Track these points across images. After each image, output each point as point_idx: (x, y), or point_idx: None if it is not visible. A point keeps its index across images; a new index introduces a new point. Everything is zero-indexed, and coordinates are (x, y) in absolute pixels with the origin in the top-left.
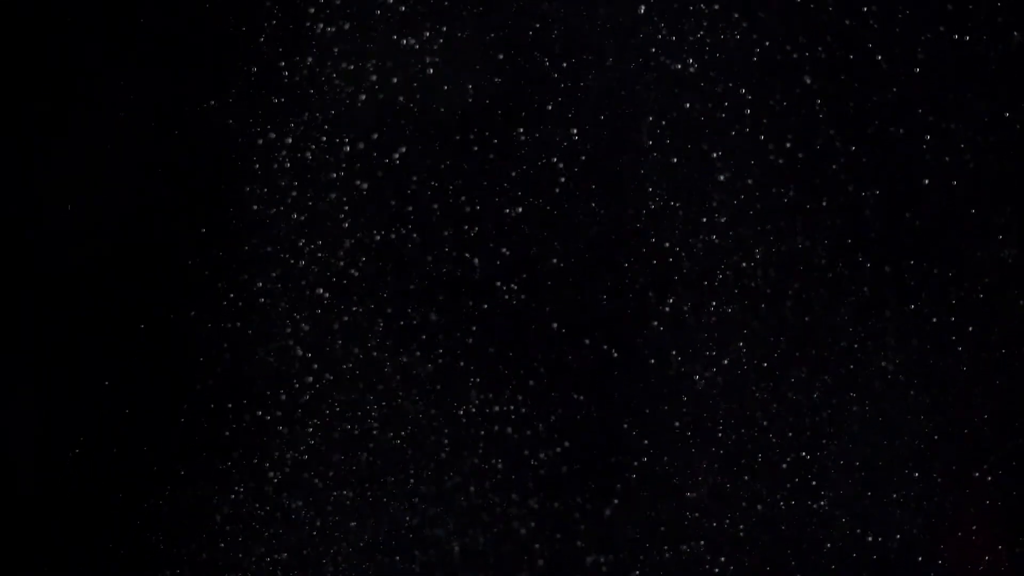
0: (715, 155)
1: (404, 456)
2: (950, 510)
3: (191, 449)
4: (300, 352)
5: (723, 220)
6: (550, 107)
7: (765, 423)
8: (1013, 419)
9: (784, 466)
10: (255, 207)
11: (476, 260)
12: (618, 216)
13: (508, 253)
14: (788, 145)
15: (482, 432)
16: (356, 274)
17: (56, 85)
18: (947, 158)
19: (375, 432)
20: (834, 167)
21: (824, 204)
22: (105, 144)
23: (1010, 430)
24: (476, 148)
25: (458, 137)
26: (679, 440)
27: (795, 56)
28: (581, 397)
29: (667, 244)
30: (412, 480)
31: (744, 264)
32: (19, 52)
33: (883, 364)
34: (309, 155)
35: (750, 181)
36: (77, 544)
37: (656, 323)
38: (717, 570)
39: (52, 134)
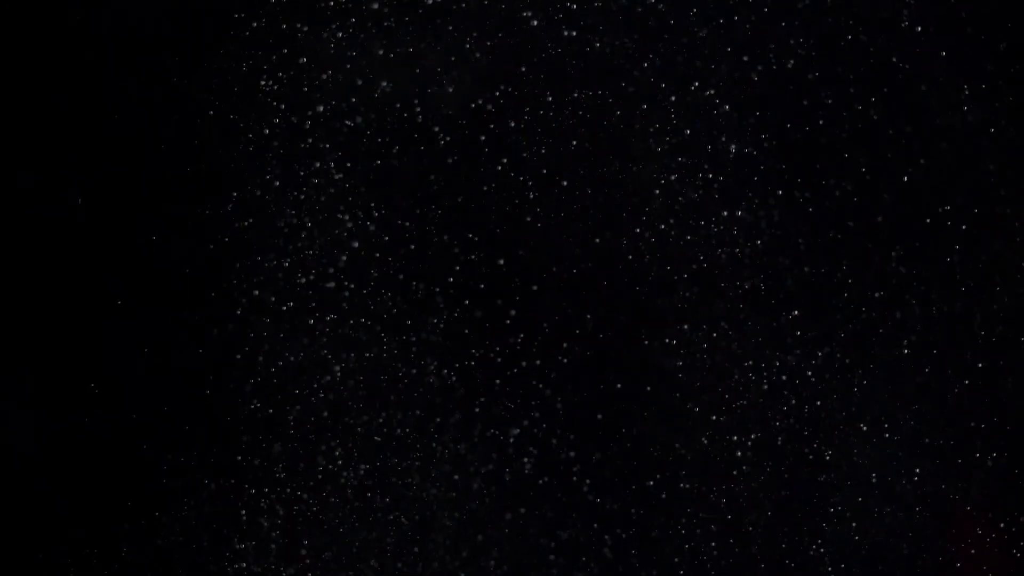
0: (718, 149)
1: (409, 454)
2: (951, 509)
3: (193, 448)
4: (300, 349)
5: (726, 214)
6: (547, 106)
7: (766, 417)
8: (1014, 418)
9: (785, 460)
10: (258, 208)
11: (475, 261)
12: (618, 215)
13: (505, 253)
14: (795, 139)
15: (487, 431)
16: (357, 273)
17: (53, 82)
18: (956, 148)
19: (379, 431)
20: (839, 157)
21: (828, 196)
22: (104, 143)
23: (1012, 428)
24: (471, 149)
25: (451, 139)
26: (683, 440)
27: (800, 49)
28: (585, 394)
29: (669, 239)
30: (417, 480)
31: (745, 261)
32: (18, 49)
33: (886, 360)
34: (309, 157)
35: (756, 176)
36: (77, 545)
37: (659, 318)
38: (718, 562)
39: (50, 131)
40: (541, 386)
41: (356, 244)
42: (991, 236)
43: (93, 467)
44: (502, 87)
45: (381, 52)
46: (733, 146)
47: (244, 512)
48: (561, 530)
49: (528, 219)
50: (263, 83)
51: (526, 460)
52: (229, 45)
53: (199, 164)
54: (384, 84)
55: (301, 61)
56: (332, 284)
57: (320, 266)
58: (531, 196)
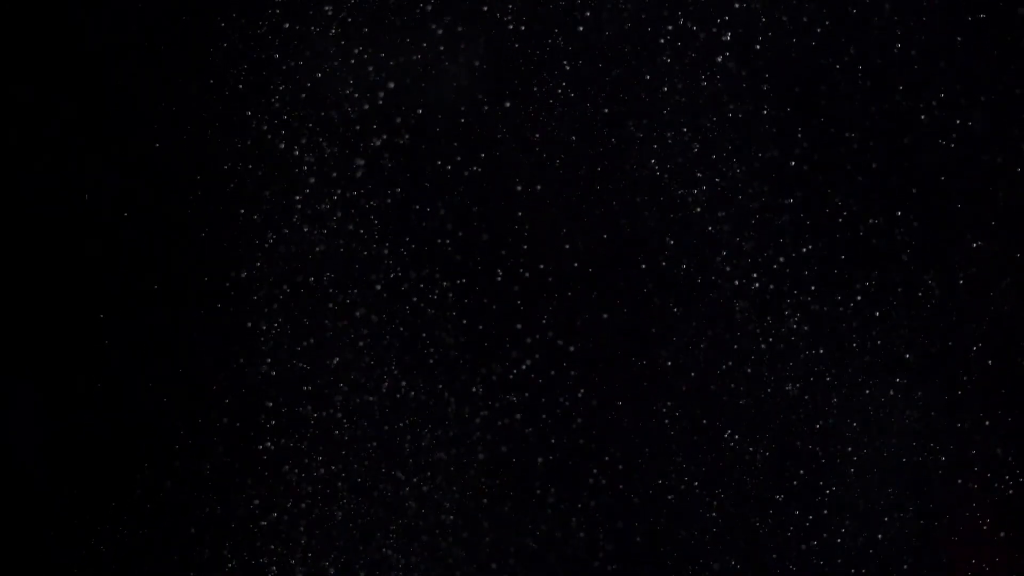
0: (717, 146)
1: (408, 452)
2: (950, 511)
3: (192, 450)
4: (299, 350)
5: (721, 214)
6: (551, 100)
7: (763, 417)
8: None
9: (782, 462)
10: (259, 206)
11: (478, 258)
12: (619, 212)
13: (510, 250)
14: (798, 137)
15: (487, 429)
16: (359, 272)
17: (53, 82)
18: (953, 148)
19: (380, 430)
20: (844, 157)
21: (826, 195)
22: (104, 142)
23: (1012, 429)
24: (470, 141)
25: (451, 135)
26: (680, 440)
27: (806, 43)
28: (587, 391)
29: (671, 233)
30: (413, 478)
31: (748, 256)
32: (18, 49)
33: (890, 358)
34: (311, 155)
35: (751, 172)
36: (76, 546)
37: (662, 312)
38: (714, 563)
39: (50, 131)
40: (542, 383)
41: (357, 240)
42: (999, 235)
43: (93, 467)
44: (502, 81)
45: (381, 47)
46: (736, 143)
47: (246, 510)
48: (559, 524)
49: (531, 212)
50: (263, 81)
51: (526, 456)
52: (230, 42)
53: (200, 163)
54: (385, 79)
55: (303, 59)
56: (333, 280)
57: (321, 262)
58: (533, 188)
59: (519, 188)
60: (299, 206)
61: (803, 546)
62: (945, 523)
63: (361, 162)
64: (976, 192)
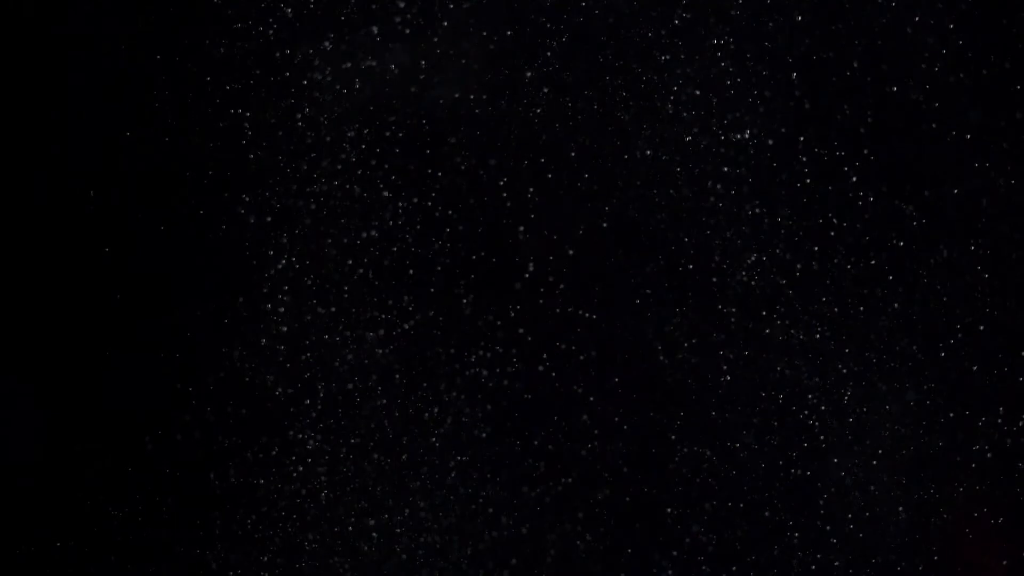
0: (721, 141)
1: (406, 450)
2: (950, 508)
3: (192, 448)
4: (298, 348)
5: (723, 211)
6: (551, 96)
7: (764, 411)
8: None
9: (783, 455)
10: (256, 207)
11: (478, 254)
12: (620, 207)
13: (509, 249)
14: (796, 139)
15: (486, 428)
16: (358, 273)
17: (55, 81)
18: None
19: (378, 431)
20: (844, 153)
21: (831, 189)
22: (104, 141)
23: (1011, 426)
24: (470, 145)
25: (449, 136)
26: (681, 431)
27: (808, 42)
28: (590, 389)
29: (670, 232)
30: (414, 477)
31: (742, 256)
32: (21, 51)
33: (889, 356)
34: (310, 155)
35: (759, 173)
36: (76, 546)
37: (662, 308)
38: (713, 557)
39: (49, 131)
40: (542, 382)
41: (359, 239)
42: (1001, 231)
43: (93, 466)
44: (504, 75)
45: (386, 47)
46: (740, 139)
47: (247, 509)
48: (560, 516)
49: (533, 212)
50: (266, 82)
51: (529, 457)
52: (236, 43)
53: (199, 162)
54: (388, 79)
55: (306, 60)
56: (333, 276)
57: (323, 263)
58: (534, 188)
59: (520, 182)
60: (298, 203)
61: (803, 539)
62: (946, 518)
63: (360, 158)
64: (978, 188)
